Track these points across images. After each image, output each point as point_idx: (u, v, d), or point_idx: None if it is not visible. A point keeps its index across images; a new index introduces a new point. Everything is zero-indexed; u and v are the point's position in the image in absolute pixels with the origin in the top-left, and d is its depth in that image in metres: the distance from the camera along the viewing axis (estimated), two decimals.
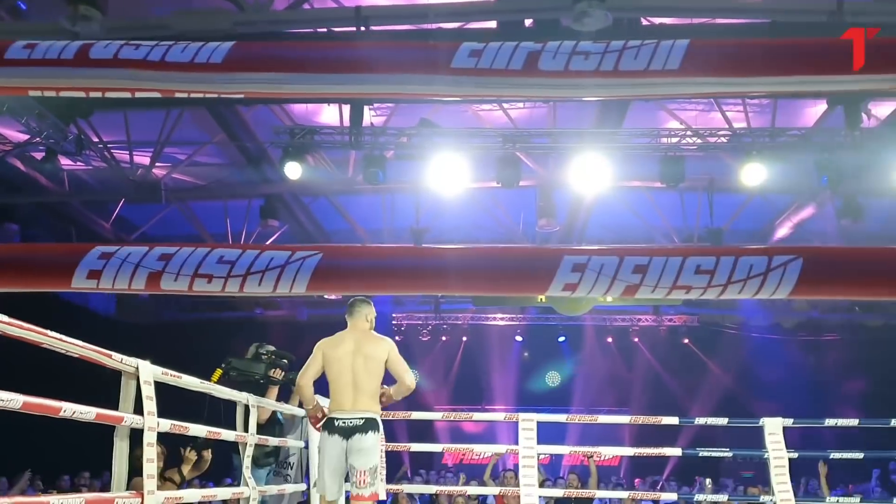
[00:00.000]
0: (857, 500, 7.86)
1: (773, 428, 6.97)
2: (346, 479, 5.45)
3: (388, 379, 5.57)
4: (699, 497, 8.25)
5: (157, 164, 11.46)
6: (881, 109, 10.13)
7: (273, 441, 6.28)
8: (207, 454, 6.18)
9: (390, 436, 7.41)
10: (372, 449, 5.31)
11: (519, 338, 18.58)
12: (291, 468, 6.81)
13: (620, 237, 13.16)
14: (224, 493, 5.97)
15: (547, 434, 7.34)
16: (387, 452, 6.76)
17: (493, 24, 8.68)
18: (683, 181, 10.36)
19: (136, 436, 3.98)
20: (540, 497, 7.21)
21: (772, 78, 2.39)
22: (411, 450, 7.81)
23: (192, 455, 5.98)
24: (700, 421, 8.26)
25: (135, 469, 4.08)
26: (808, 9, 8.06)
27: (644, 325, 18.07)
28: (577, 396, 18.27)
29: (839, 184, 10.13)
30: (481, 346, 18.50)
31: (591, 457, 9.40)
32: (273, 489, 6.30)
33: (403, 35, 8.56)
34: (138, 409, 3.99)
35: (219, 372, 6.23)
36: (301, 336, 16.32)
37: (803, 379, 17.07)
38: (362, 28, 8.04)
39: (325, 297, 14.70)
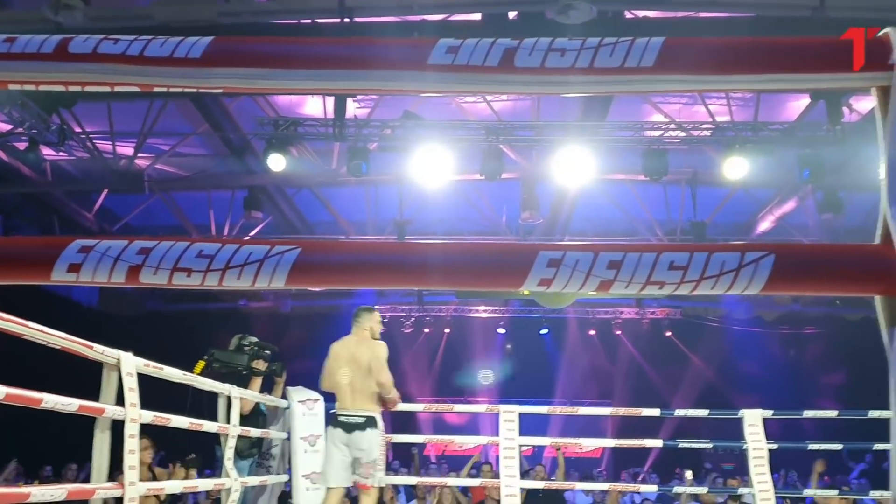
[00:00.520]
0: (836, 493, 7.93)
1: (753, 419, 7.04)
2: (353, 471, 5.87)
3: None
4: (678, 489, 8.32)
5: (141, 154, 11.41)
6: (863, 104, 10.19)
7: (255, 432, 6.30)
8: (193, 472, 6.72)
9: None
10: (372, 444, 5.82)
11: (501, 330, 18.62)
12: (274, 459, 6.82)
13: (604, 230, 13.21)
14: (206, 485, 6.00)
15: (530, 426, 7.38)
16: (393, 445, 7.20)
17: (477, 16, 8.71)
18: (667, 174, 10.41)
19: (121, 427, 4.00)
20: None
21: (747, 76, 2.42)
22: (393, 441, 7.89)
23: (180, 472, 6.25)
24: (681, 413, 8.34)
25: (121, 461, 4.09)
26: (792, 3, 8.12)
27: (627, 317, 18.14)
28: (560, 388, 18.33)
29: (821, 178, 10.20)
30: (464, 339, 18.55)
31: (559, 448, 9.45)
32: (255, 480, 6.31)
33: (388, 27, 8.55)
34: (122, 401, 4.00)
35: (202, 363, 6.24)
36: (285, 327, 16.43)
37: (784, 371, 17.21)
38: (346, 19, 8.04)
39: (309, 289, 14.67)
